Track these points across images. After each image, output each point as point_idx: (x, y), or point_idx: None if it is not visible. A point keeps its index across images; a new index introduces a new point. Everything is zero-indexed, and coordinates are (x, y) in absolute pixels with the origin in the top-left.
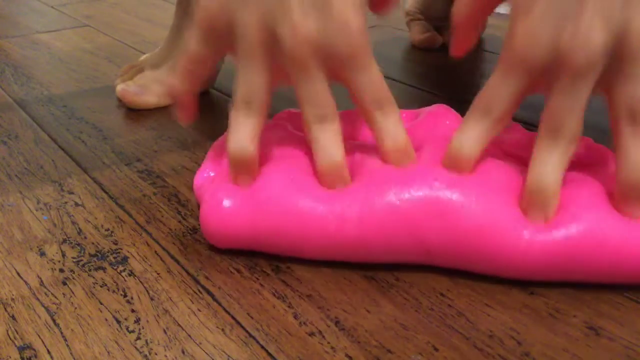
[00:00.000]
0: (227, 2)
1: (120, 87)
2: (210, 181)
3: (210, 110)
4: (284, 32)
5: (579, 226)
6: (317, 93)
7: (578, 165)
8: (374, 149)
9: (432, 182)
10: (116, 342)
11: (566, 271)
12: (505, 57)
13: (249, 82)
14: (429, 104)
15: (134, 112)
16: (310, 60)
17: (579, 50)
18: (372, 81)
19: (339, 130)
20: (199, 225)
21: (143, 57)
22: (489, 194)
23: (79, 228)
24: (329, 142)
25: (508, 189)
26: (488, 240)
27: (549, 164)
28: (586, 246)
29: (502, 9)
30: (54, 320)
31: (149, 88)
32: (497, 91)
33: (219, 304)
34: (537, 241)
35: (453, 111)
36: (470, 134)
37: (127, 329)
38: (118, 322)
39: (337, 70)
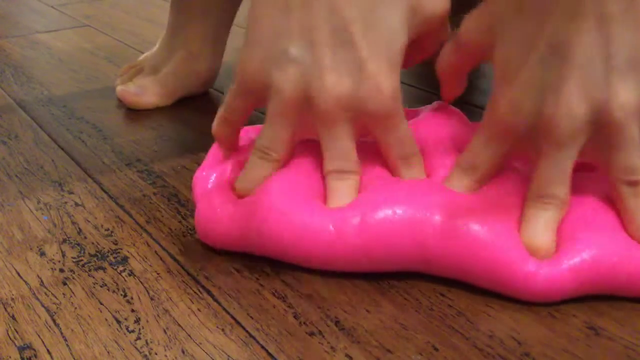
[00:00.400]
0: (264, 63)
1: (120, 88)
2: (208, 181)
3: (209, 110)
4: (316, 92)
5: (585, 256)
6: (342, 149)
7: (582, 167)
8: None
9: (437, 205)
10: (116, 342)
11: (574, 295)
12: (489, 122)
13: (273, 135)
14: (426, 102)
15: (134, 113)
16: (339, 119)
17: (560, 119)
18: (400, 139)
19: (356, 183)
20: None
21: (142, 56)
22: (496, 218)
23: (79, 228)
24: (343, 192)
25: (514, 208)
26: (494, 268)
27: (539, 224)
28: (593, 275)
29: None
30: (54, 320)
31: (149, 89)
32: (481, 154)
33: (219, 304)
34: (543, 273)
35: (455, 110)
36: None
37: (127, 329)
38: (118, 322)
39: (367, 128)
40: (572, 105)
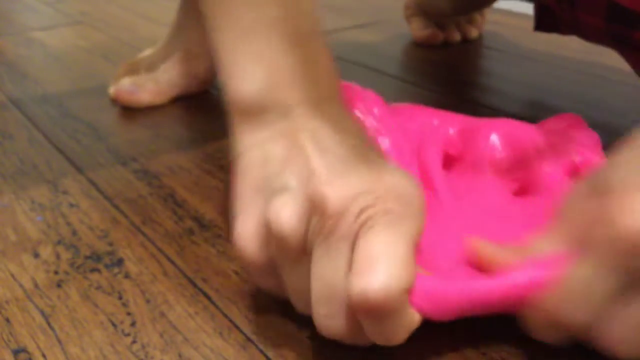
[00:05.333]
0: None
1: (112, 87)
2: None
3: (208, 110)
4: None
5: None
6: None
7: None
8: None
9: None
10: (112, 345)
11: None
12: (601, 243)
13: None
14: (428, 101)
15: (130, 111)
16: None
17: None
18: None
19: None
20: (197, 227)
21: (141, 55)
22: None
23: (74, 229)
24: None
25: None
26: None
27: None
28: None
29: (502, 3)
30: (48, 323)
31: (143, 86)
32: (586, 287)
33: (217, 307)
34: None
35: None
36: None
37: (122, 332)
38: (114, 325)
39: None
40: None
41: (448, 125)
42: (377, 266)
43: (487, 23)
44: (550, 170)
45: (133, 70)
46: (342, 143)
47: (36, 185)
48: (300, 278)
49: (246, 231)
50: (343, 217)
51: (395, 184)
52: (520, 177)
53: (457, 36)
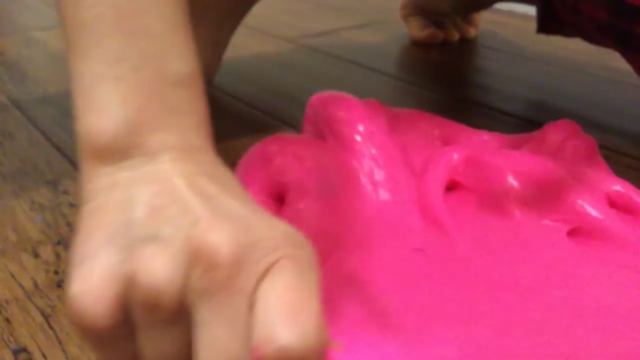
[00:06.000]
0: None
1: None
2: None
3: (207, 109)
4: None
5: None
6: None
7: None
8: None
9: None
10: None
11: None
12: None
13: None
14: (427, 101)
15: None
16: None
17: None
18: None
19: None
20: None
21: None
22: None
23: (74, 229)
24: None
25: None
26: None
27: None
28: None
29: (502, 3)
30: (48, 323)
31: None
32: None
33: None
34: None
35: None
36: None
37: None
38: None
39: None
40: None
41: (452, 150)
42: (293, 320)
43: (487, 23)
44: (593, 205)
45: None
46: (224, 191)
47: (36, 186)
48: (171, 345)
49: (92, 287)
50: (239, 267)
51: (290, 232)
52: (564, 214)
53: (455, 35)
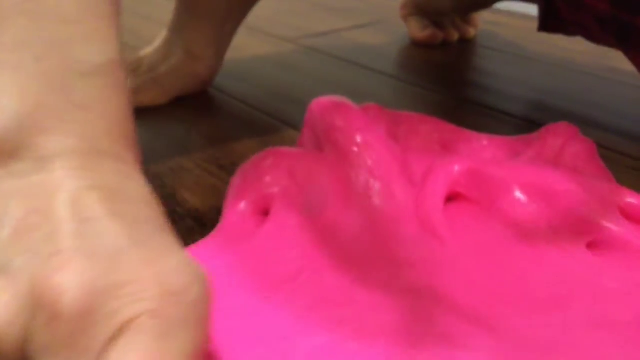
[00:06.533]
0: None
1: None
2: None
3: (209, 110)
4: None
5: None
6: None
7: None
8: None
9: None
10: None
11: None
12: None
13: None
14: (427, 101)
15: None
16: None
17: None
18: None
19: None
20: (197, 226)
21: (141, 53)
22: None
23: None
24: None
25: None
26: None
27: None
28: None
29: (502, 3)
30: None
31: (143, 87)
32: None
33: None
34: None
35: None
36: None
37: None
38: None
39: None
40: None
41: (453, 162)
42: None
43: (486, 23)
44: (609, 217)
45: (133, 70)
46: (113, 214)
47: None
48: None
49: None
50: (85, 321)
51: (173, 275)
52: (579, 227)
53: (455, 36)
